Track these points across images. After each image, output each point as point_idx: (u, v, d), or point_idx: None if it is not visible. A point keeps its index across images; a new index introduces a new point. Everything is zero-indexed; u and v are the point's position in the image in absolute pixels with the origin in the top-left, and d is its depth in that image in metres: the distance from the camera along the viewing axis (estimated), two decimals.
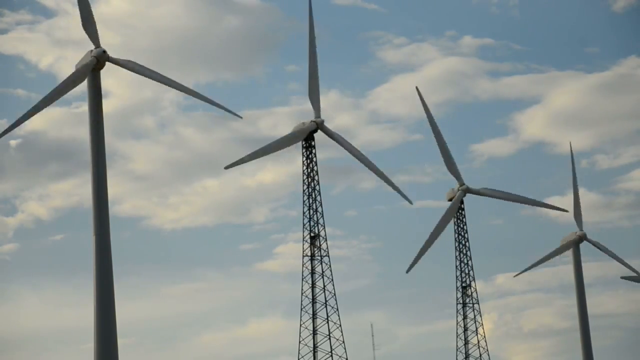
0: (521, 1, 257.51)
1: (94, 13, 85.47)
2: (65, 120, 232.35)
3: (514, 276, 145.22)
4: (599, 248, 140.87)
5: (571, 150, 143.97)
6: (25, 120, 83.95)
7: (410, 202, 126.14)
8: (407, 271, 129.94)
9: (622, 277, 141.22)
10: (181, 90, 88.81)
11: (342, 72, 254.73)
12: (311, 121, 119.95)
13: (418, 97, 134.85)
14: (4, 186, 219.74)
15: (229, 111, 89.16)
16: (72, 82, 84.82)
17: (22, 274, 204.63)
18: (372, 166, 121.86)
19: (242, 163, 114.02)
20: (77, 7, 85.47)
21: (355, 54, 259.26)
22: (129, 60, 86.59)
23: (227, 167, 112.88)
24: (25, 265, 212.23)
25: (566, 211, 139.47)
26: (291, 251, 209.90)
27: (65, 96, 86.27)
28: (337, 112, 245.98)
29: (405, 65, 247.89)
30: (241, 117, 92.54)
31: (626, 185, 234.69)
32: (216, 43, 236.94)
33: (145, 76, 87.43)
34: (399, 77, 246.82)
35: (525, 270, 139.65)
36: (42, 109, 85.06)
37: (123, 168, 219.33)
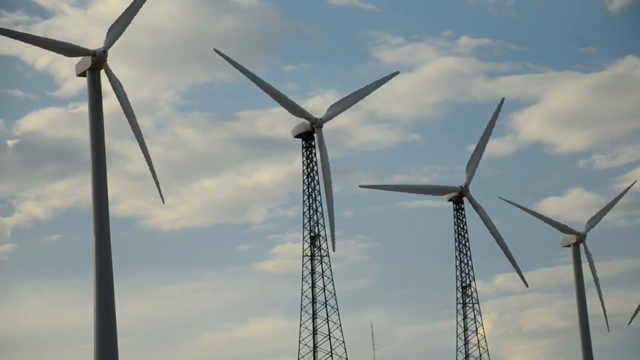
0: (518, 1, 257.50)
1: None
2: (63, 121, 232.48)
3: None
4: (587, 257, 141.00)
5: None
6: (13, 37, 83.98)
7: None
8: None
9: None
10: (140, 145, 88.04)
11: (339, 72, 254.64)
12: (313, 126, 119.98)
13: (416, 97, 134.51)
14: (2, 186, 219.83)
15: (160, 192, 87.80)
16: (67, 49, 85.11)
17: (19, 274, 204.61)
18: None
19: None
20: (77, 7, 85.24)
21: (352, 54, 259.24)
22: (119, 83, 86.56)
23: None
24: (23, 266, 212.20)
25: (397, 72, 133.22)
26: (289, 251, 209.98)
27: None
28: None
29: (403, 66, 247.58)
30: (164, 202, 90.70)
31: (624, 185, 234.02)
32: (213, 43, 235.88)
33: (121, 105, 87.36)
34: (396, 77, 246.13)
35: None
36: (23, 38, 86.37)
37: (120, 168, 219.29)
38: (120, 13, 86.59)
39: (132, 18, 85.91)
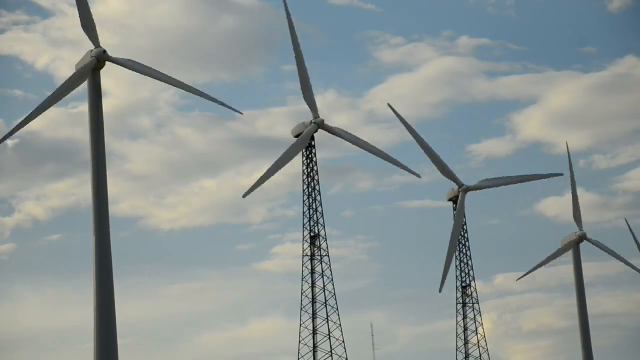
0: (518, 1, 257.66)
1: (93, 13, 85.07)
2: (63, 121, 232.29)
3: (517, 280, 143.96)
4: (599, 247, 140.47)
5: (568, 151, 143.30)
6: (26, 124, 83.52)
7: (419, 176, 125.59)
8: (440, 291, 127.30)
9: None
10: (181, 88, 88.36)
11: (339, 72, 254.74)
12: (312, 122, 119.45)
13: (416, 97, 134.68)
14: (1, 186, 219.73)
15: (229, 107, 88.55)
16: (72, 83, 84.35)
17: (19, 274, 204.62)
18: (379, 152, 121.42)
19: (257, 188, 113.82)
20: (76, 7, 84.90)
21: (352, 54, 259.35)
22: (129, 60, 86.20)
23: (244, 196, 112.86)
24: (23, 266, 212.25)
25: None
26: (289, 251, 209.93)
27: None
28: (334, 112, 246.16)
29: (402, 66, 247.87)
30: (242, 114, 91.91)
31: (624, 185, 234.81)
32: (213, 43, 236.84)
33: (145, 75, 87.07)
34: (396, 77, 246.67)
35: (528, 273, 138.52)
36: (42, 111, 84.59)
37: (120, 168, 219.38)
38: (118, 13, 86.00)
39: (88, 6, 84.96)
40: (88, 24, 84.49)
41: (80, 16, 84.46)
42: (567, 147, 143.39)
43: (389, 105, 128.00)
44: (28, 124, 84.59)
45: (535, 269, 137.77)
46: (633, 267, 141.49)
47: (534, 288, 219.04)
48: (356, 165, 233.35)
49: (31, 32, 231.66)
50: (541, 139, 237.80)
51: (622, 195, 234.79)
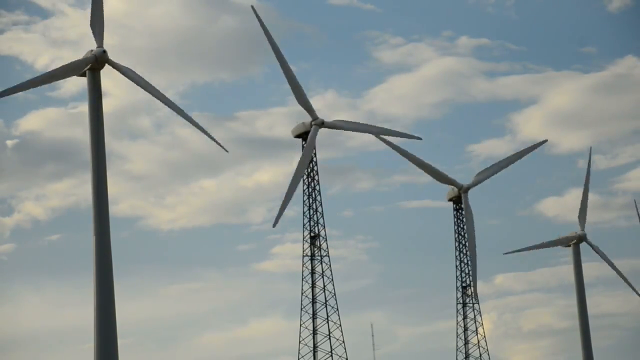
0: (517, 1, 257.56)
1: (89, 13, 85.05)
2: (62, 121, 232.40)
3: (504, 253, 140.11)
4: (595, 251, 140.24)
5: (590, 153, 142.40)
6: (9, 94, 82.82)
7: (420, 138, 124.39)
8: (274, 225, 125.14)
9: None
10: (172, 108, 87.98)
11: (338, 72, 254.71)
12: (312, 124, 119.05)
13: (415, 97, 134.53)
14: (1, 186, 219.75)
15: (217, 142, 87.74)
16: (66, 71, 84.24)
17: (19, 274, 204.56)
18: (379, 129, 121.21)
19: (284, 209, 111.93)
20: (77, 8, 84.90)
21: (351, 54, 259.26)
22: (129, 68, 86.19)
23: (275, 224, 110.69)
24: (23, 266, 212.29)
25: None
26: (288, 251, 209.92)
27: (62, 97, 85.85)
28: (333, 112, 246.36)
29: (402, 66, 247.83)
30: (227, 151, 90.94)
31: (623, 185, 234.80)
32: (213, 43, 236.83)
33: (140, 87, 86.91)
34: (395, 77, 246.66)
35: (518, 251, 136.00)
36: (28, 87, 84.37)
37: (120, 168, 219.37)
38: (118, 13, 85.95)
39: (102, 7, 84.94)
40: (96, 23, 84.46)
41: (92, 13, 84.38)
42: (590, 152, 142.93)
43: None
44: (26, 124, 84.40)
45: (526, 249, 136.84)
46: (623, 278, 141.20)
47: (534, 288, 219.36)
48: (356, 165, 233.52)
49: (31, 32, 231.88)
50: (541, 139, 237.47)
51: (622, 196, 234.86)
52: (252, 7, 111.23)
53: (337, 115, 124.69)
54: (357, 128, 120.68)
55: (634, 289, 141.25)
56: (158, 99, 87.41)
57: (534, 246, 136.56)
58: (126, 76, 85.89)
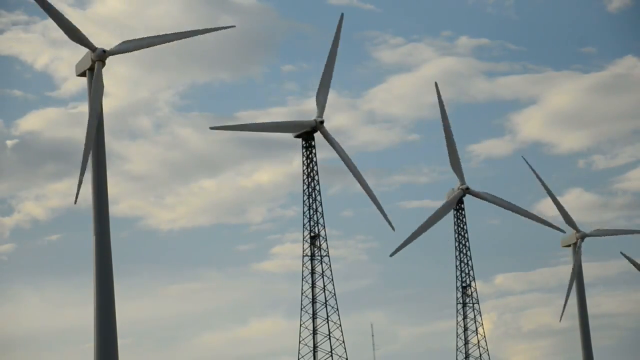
0: (517, 1, 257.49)
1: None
2: (62, 121, 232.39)
3: (390, 255, 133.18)
4: (601, 235, 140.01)
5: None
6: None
7: (393, 229, 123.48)
8: (391, 255, 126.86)
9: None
10: (180, 38, 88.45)
11: (338, 72, 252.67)
12: (315, 121, 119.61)
13: (415, 97, 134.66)
14: (1, 186, 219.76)
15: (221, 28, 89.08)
16: (95, 96, 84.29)
17: (19, 274, 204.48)
18: (360, 177, 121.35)
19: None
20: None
21: (351, 54, 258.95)
22: (124, 42, 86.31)
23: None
24: (23, 266, 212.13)
25: (563, 231, 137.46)
26: (288, 251, 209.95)
27: (62, 97, 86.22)
28: (333, 112, 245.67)
29: (402, 66, 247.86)
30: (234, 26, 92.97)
31: (623, 185, 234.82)
32: (213, 43, 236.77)
33: (144, 47, 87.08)
34: (395, 77, 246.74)
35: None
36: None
37: (119, 168, 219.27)
38: (118, 13, 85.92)
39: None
40: (73, 33, 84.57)
41: (62, 29, 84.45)
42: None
43: (436, 85, 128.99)
44: (26, 124, 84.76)
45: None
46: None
47: (534, 288, 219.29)
48: (356, 165, 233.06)
49: (30, 32, 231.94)
50: (540, 139, 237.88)
51: (622, 196, 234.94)
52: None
53: (337, 115, 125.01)
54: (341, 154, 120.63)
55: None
56: (165, 41, 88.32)
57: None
58: (129, 51, 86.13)
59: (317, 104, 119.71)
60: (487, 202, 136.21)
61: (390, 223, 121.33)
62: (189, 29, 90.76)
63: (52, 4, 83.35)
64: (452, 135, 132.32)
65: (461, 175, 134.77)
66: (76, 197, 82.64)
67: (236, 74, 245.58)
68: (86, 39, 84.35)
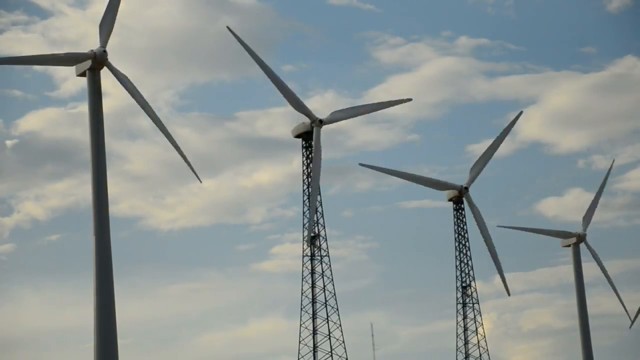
0: (517, 1, 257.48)
1: (89, 13, 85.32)
2: (62, 121, 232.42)
3: (497, 226, 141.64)
4: (592, 256, 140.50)
5: (612, 166, 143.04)
6: (9, 63, 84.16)
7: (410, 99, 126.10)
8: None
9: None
10: (162, 132, 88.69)
11: (338, 72, 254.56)
12: (313, 126, 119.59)
13: (415, 97, 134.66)
14: (1, 186, 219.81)
15: (195, 173, 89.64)
16: (62, 59, 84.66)
17: (19, 274, 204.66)
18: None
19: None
20: (89, 5, 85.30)
21: (351, 54, 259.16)
22: (125, 76, 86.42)
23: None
24: (23, 266, 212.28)
25: (410, 99, 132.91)
26: (288, 251, 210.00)
27: (61, 97, 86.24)
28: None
29: (401, 66, 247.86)
30: (201, 182, 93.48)
31: (623, 185, 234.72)
32: (212, 43, 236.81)
33: (132, 96, 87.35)
34: (395, 77, 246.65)
35: (512, 228, 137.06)
36: (25, 63, 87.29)
37: (119, 168, 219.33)
38: (117, 13, 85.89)
39: (117, 10, 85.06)
40: (106, 24, 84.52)
41: (105, 13, 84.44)
42: (611, 166, 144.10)
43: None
44: (26, 124, 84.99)
45: (520, 229, 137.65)
46: (613, 288, 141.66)
47: (533, 288, 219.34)
48: (355, 165, 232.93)
49: (30, 32, 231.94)
50: (540, 139, 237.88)
51: (621, 196, 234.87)
52: (228, 27, 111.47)
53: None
54: (354, 113, 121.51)
55: (619, 299, 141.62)
56: (148, 114, 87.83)
57: (532, 229, 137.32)
58: (120, 81, 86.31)
59: (303, 113, 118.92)
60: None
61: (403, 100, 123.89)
62: (189, 29, 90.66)
63: (53, 4, 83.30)
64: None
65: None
66: None
67: (236, 74, 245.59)
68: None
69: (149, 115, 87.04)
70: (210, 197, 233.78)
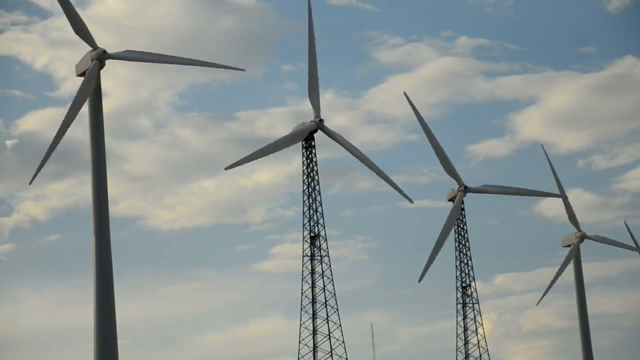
0: (517, 1, 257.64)
1: (89, 13, 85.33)
2: (61, 121, 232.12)
3: (537, 304, 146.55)
4: (600, 242, 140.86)
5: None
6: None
7: (411, 201, 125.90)
8: (419, 280, 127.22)
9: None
10: (179, 63, 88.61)
11: (338, 72, 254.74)
12: (311, 121, 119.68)
13: (415, 98, 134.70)
14: (0, 186, 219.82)
15: (231, 67, 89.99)
16: (83, 92, 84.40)
17: (19, 274, 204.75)
18: (372, 165, 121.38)
19: (243, 164, 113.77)
20: (89, 5, 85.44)
21: (351, 54, 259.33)
22: (127, 51, 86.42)
23: (227, 168, 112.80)
24: (23, 266, 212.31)
25: (559, 196, 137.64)
26: (288, 252, 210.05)
27: (61, 97, 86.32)
28: (333, 112, 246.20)
29: (401, 66, 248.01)
30: (244, 69, 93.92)
31: (623, 185, 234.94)
32: (212, 43, 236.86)
33: (147, 61, 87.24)
34: (394, 77, 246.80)
35: (545, 293, 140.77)
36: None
37: (119, 169, 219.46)
38: (117, 13, 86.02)
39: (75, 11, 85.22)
40: (80, 28, 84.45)
41: (70, 22, 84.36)
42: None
43: (405, 95, 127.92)
44: (25, 124, 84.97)
45: (551, 285, 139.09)
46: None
47: (533, 288, 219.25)
48: (355, 166, 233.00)
49: (30, 33, 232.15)
50: (540, 139, 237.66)
51: (621, 196, 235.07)
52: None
53: (336, 115, 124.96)
54: (352, 150, 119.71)
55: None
56: (165, 62, 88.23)
57: (557, 275, 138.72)
58: (129, 60, 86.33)
59: (312, 105, 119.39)
60: (489, 194, 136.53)
61: (407, 197, 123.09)
62: (188, 30, 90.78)
63: (52, 4, 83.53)
64: (438, 142, 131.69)
65: (458, 177, 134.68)
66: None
67: (236, 74, 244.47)
68: (90, 35, 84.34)
69: (166, 61, 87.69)
70: (210, 197, 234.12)
